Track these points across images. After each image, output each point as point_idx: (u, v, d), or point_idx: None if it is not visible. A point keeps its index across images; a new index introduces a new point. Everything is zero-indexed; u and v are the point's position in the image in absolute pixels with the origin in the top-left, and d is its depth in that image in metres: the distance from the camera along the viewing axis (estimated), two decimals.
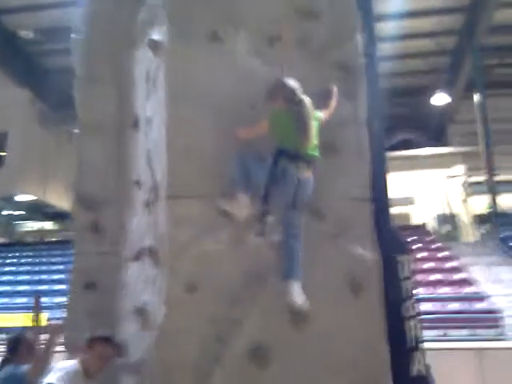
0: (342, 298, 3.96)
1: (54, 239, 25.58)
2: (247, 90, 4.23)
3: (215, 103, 4.19)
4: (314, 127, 3.90)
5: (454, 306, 13.82)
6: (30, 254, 21.79)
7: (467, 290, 14.70)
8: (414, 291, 4.18)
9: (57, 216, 26.97)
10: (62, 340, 4.52)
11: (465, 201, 24.32)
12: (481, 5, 19.17)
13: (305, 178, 3.86)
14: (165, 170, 4.12)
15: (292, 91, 3.93)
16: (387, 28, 18.34)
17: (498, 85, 22.94)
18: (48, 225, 29.64)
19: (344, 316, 3.90)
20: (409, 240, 17.70)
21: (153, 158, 4.46)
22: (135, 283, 4.44)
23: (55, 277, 18.35)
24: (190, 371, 3.77)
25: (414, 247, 17.51)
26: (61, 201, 24.26)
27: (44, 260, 20.82)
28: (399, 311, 4.01)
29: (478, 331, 12.59)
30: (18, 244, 24.66)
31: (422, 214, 24.06)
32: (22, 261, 21.11)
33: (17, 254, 21.95)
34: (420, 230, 21.29)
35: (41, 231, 28.66)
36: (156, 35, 4.61)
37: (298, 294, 3.72)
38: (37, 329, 7.85)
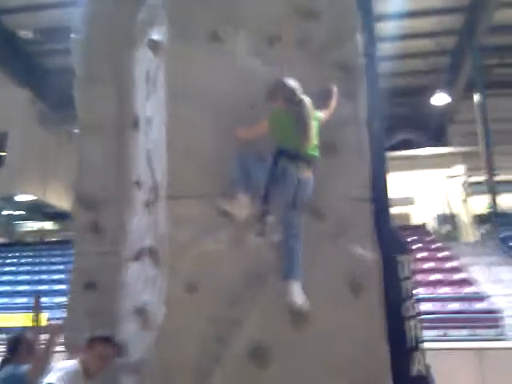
0: (342, 298, 3.96)
1: (53, 239, 25.57)
2: (247, 89, 4.23)
3: (215, 103, 4.19)
4: (313, 127, 3.90)
5: (454, 306, 13.83)
6: (30, 254, 21.78)
7: (467, 290, 14.71)
8: (414, 291, 4.18)
9: (57, 216, 26.97)
10: (61, 340, 4.52)
11: (465, 201, 24.33)
12: (481, 5, 19.17)
13: (305, 178, 3.86)
14: (165, 170, 4.12)
15: (292, 91, 3.92)
16: (387, 28, 18.35)
17: (498, 85, 22.94)
18: (48, 225, 29.65)
19: (344, 316, 3.90)
20: (409, 240, 17.71)
21: (153, 158, 4.46)
22: (135, 283, 4.44)
23: (55, 277, 18.35)
24: (189, 371, 3.76)
25: (414, 247, 17.52)
26: (61, 201, 24.25)
27: (44, 260, 20.81)
28: (399, 311, 4.01)
29: (478, 331, 12.60)
30: (18, 244, 24.65)
31: (422, 214, 24.06)
32: (22, 261, 21.11)
33: (17, 254, 21.95)
34: (420, 230, 21.29)
35: (41, 231, 28.65)
36: (156, 35, 4.60)
37: (297, 294, 3.72)
38: (37, 329, 7.85)
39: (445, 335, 12.48)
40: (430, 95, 23.92)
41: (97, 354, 3.85)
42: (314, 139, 3.90)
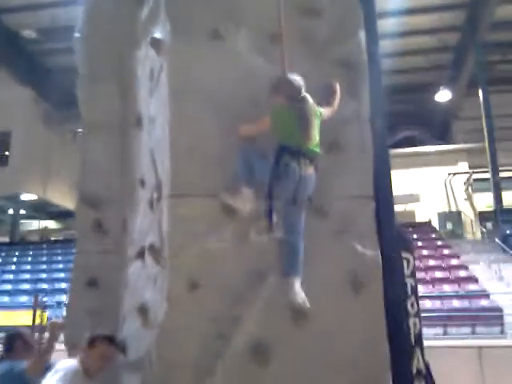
0: (344, 296, 3.95)
1: (57, 238, 25.64)
2: (249, 87, 4.23)
3: (218, 101, 4.18)
4: (316, 125, 3.90)
5: (456, 303, 13.83)
6: (33, 252, 21.84)
7: (470, 287, 14.71)
8: (416, 289, 4.18)
9: (60, 215, 27.03)
10: (62, 338, 4.52)
11: (469, 198, 24.30)
12: (482, 1, 19.15)
13: (307, 175, 3.85)
14: (168, 169, 4.12)
15: (296, 89, 3.92)
16: (389, 25, 18.32)
17: (501, 81, 22.88)
18: (51, 224, 29.72)
19: (345, 314, 3.89)
20: (412, 237, 17.79)
21: (156, 157, 4.46)
22: (137, 281, 4.44)
23: (57, 275, 18.43)
24: (190, 369, 3.76)
25: (417, 244, 17.57)
26: (64, 200, 24.32)
27: (46, 259, 20.87)
28: (401, 309, 4.01)
29: (480, 329, 12.60)
30: (21, 243, 24.71)
31: (426, 211, 24.06)
32: (25, 260, 21.17)
33: (20, 253, 22.02)
34: (424, 227, 21.32)
35: (44, 230, 28.72)
36: (158, 34, 4.60)
37: (298, 292, 3.72)
38: (37, 327, 7.86)
39: (446, 333, 12.50)
40: (433, 92, 23.91)
41: (98, 354, 3.83)
42: (316, 136, 3.90)
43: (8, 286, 18.55)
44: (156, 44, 4.62)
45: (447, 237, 20.28)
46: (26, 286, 18.17)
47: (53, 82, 22.66)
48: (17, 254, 22.14)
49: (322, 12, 4.61)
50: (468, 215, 23.71)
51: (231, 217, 3.99)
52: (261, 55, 4.42)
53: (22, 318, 13.34)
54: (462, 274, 15.70)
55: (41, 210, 26.81)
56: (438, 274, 15.78)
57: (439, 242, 19.03)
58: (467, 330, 12.63)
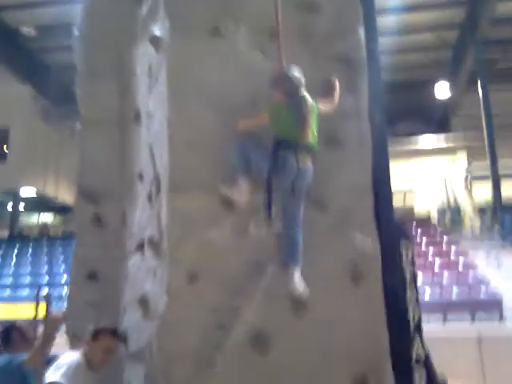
0: (343, 287, 3.99)
1: (56, 232, 25.66)
2: (248, 83, 4.24)
3: (216, 97, 4.20)
4: (313, 120, 3.92)
5: (456, 294, 13.88)
6: (33, 247, 21.89)
7: (469, 278, 14.76)
8: (415, 278, 4.21)
9: (59, 210, 27.05)
10: (63, 330, 4.53)
11: (468, 191, 24.37)
12: None
13: (304, 167, 3.88)
14: (167, 163, 4.14)
15: (294, 86, 3.94)
16: (389, 21, 18.32)
17: (500, 77, 22.87)
18: (51, 218, 29.74)
19: (344, 304, 3.93)
20: (411, 229, 17.91)
21: (155, 152, 4.48)
22: (137, 274, 4.47)
23: (57, 269, 18.46)
24: (191, 360, 3.79)
25: (416, 236, 17.68)
26: (63, 195, 24.37)
27: (46, 253, 20.91)
28: (400, 297, 4.04)
29: (480, 318, 12.66)
30: (21, 237, 24.73)
31: (426, 203, 24.16)
32: (25, 254, 21.21)
33: (19, 247, 22.06)
34: (423, 219, 21.43)
35: (44, 225, 28.71)
36: (157, 30, 4.61)
37: (298, 282, 3.75)
38: (36, 321, 7.85)
39: (446, 321, 12.57)
40: (433, 89, 23.89)
41: (102, 347, 3.85)
42: (314, 131, 3.92)
43: (8, 280, 18.58)
44: (155, 41, 4.63)
45: (446, 229, 20.29)
46: (27, 280, 18.22)
47: (52, 79, 22.66)
48: (16, 248, 22.16)
49: (321, 8, 4.62)
50: (467, 208, 23.72)
51: (230, 209, 4.02)
52: (260, 52, 4.44)
53: (22, 311, 13.36)
54: (463, 265, 15.78)
55: (40, 204, 26.84)
56: (440, 265, 15.85)
57: (439, 235, 19.10)
58: (468, 318, 12.69)
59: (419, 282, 13.47)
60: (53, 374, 3.65)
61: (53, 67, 22.90)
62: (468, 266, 15.61)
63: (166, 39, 4.41)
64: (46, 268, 19.17)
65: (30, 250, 21.23)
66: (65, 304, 5.17)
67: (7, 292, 17.40)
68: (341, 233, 4.11)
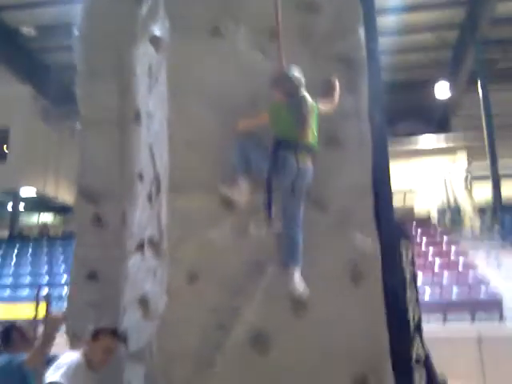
0: (343, 287, 3.99)
1: (56, 232, 25.67)
2: (248, 83, 4.24)
3: (217, 97, 4.20)
4: (313, 121, 3.92)
5: (456, 294, 13.89)
6: (33, 246, 21.90)
7: (469, 278, 14.77)
8: (415, 278, 4.21)
9: (60, 210, 27.05)
10: (63, 330, 4.53)
11: (468, 191, 24.37)
12: None
13: (304, 167, 3.88)
14: (167, 163, 4.14)
15: (294, 86, 3.94)
16: (389, 22, 18.32)
17: (500, 77, 22.87)
18: (51, 218, 29.74)
19: (344, 304, 3.93)
20: (411, 229, 17.93)
21: (155, 152, 4.48)
22: (137, 274, 4.47)
23: (57, 269, 18.46)
24: (191, 360, 3.80)
25: (416, 236, 17.71)
26: (63, 195, 24.37)
27: (46, 253, 20.92)
28: (400, 297, 4.04)
29: (480, 318, 12.67)
30: (21, 237, 24.73)
31: (426, 203, 24.17)
32: (25, 253, 21.21)
33: (19, 247, 22.06)
34: (423, 219, 21.45)
35: (44, 225, 28.70)
36: (157, 30, 4.61)
37: (298, 282, 3.75)
38: (36, 321, 7.84)
39: (445, 321, 12.58)
40: (433, 89, 23.89)
41: (102, 347, 3.84)
42: (314, 131, 3.92)
43: (8, 280, 18.58)
44: (155, 41, 4.63)
45: (446, 229, 20.29)
46: (26, 280, 18.22)
47: (52, 79, 22.66)
48: (16, 248, 22.17)
49: (321, 8, 4.62)
50: (467, 207, 23.73)
51: (230, 209, 4.03)
52: (260, 52, 4.44)
53: (22, 311, 13.35)
54: (463, 265, 15.79)
55: (40, 204, 26.84)
56: (440, 265, 15.86)
57: (439, 235, 19.12)
58: (468, 318, 12.70)
59: (419, 282, 13.49)
60: (53, 374, 3.64)
61: (53, 67, 22.90)
62: (468, 265, 15.63)
63: (166, 39, 4.41)
64: (45, 268, 19.18)
65: (30, 250, 21.23)
66: (65, 304, 5.17)
67: (7, 292, 17.41)
68: (341, 233, 4.11)
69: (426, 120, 26.53)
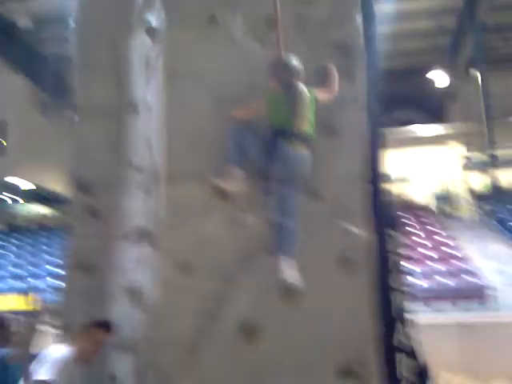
0: (334, 276, 3.98)
1: (52, 224, 25.69)
2: (245, 72, 4.24)
3: (214, 86, 4.20)
4: (308, 109, 3.91)
5: (449, 284, 13.95)
6: (30, 239, 21.98)
7: (463, 267, 14.83)
8: (406, 268, 4.21)
9: (57, 202, 27.06)
10: (55, 322, 4.53)
11: (464, 179, 24.40)
12: None
13: (300, 155, 3.88)
14: (162, 153, 4.14)
15: (289, 74, 3.93)
16: (387, 8, 18.23)
17: (499, 64, 22.80)
18: (47, 210, 29.73)
19: (335, 294, 3.92)
20: (406, 218, 17.98)
21: (151, 143, 4.47)
22: (129, 264, 4.47)
23: (52, 260, 18.53)
24: (181, 349, 3.82)
25: (411, 225, 17.77)
26: (60, 187, 24.37)
27: (43, 245, 20.99)
28: (390, 287, 4.05)
29: (473, 308, 12.74)
30: (18, 230, 24.78)
31: (422, 192, 24.18)
32: (22, 246, 21.30)
33: (16, 240, 22.15)
34: (418, 208, 21.49)
35: (41, 217, 28.70)
36: (153, 20, 4.59)
37: (289, 271, 3.74)
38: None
39: (435, 310, 12.67)
40: (431, 75, 23.84)
41: (93, 340, 3.85)
42: (310, 120, 3.91)
43: (5, 272, 18.65)
44: (151, 31, 4.61)
45: (442, 217, 20.32)
46: (24, 272, 18.30)
47: (49, 71, 22.57)
48: (15, 240, 22.25)
49: None
50: (463, 196, 23.76)
51: (223, 199, 4.01)
52: (257, 40, 4.42)
53: (9, 303, 13.30)
54: (455, 253, 15.86)
55: (38, 196, 26.84)
56: (432, 253, 15.92)
57: (434, 223, 19.15)
58: (459, 307, 12.79)
59: (413, 272, 13.61)
60: (41, 368, 3.63)
61: (50, 59, 22.80)
62: (462, 255, 15.67)
63: (162, 29, 4.39)
64: (43, 259, 19.24)
65: (29, 245, 21.30)
66: (56, 296, 5.15)
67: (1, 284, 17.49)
68: (334, 222, 4.09)
69: (424, 107, 26.47)
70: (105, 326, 3.96)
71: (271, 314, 3.88)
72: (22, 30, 21.66)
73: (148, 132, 4.61)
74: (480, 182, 22.54)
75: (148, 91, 4.68)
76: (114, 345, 4.21)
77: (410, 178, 24.73)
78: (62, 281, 5.00)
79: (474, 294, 13.14)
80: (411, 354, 4.06)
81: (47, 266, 18.16)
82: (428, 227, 18.54)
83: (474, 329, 10.45)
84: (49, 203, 27.71)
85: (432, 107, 26.79)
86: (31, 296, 12.21)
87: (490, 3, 19.73)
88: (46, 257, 19.32)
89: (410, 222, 18.52)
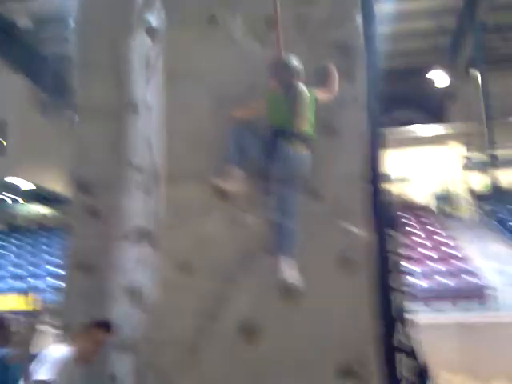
0: (336, 276, 3.98)
1: (52, 224, 25.70)
2: (245, 72, 4.24)
3: (214, 86, 4.20)
4: (308, 109, 3.91)
5: (450, 284, 13.95)
6: (30, 239, 21.98)
7: (463, 267, 14.83)
8: (406, 268, 4.22)
9: (57, 202, 27.06)
10: (55, 322, 4.53)
11: (464, 179, 24.40)
12: None
13: (300, 155, 3.88)
14: (162, 153, 4.14)
15: (289, 74, 3.94)
16: (387, 8, 18.22)
17: (499, 64, 22.80)
18: (47, 210, 29.74)
19: (335, 294, 3.92)
20: (406, 218, 17.96)
21: (151, 143, 4.47)
22: (129, 264, 4.47)
23: (52, 260, 18.54)
24: (182, 349, 3.83)
25: (411, 226, 17.76)
26: (60, 187, 24.37)
27: (43, 245, 20.99)
28: (390, 287, 4.05)
29: (473, 308, 12.74)
30: (18, 230, 24.79)
31: (421, 192, 24.19)
32: (22, 246, 21.30)
33: (16, 240, 22.14)
34: (418, 208, 21.49)
35: (41, 217, 28.71)
36: (153, 20, 4.59)
37: (290, 271, 3.74)
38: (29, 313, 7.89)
39: (435, 310, 12.67)
40: (431, 75, 23.83)
41: (93, 340, 3.85)
42: (310, 120, 3.91)
43: (5, 272, 18.65)
44: (151, 31, 4.61)
45: (441, 217, 20.32)
46: (24, 272, 18.31)
47: (49, 71, 22.57)
48: (15, 239, 22.26)
49: None
50: (462, 196, 23.77)
51: (223, 199, 4.01)
52: (257, 40, 4.42)
53: (9, 303, 13.32)
54: (455, 253, 15.85)
55: (38, 196, 26.85)
56: (432, 253, 15.92)
57: (433, 223, 19.15)
58: (459, 307, 12.79)
59: (413, 272, 13.60)
60: (41, 368, 3.63)
61: (50, 59, 22.80)
62: (462, 255, 15.67)
63: (162, 29, 4.39)
64: (43, 259, 19.25)
65: (29, 245, 21.30)
66: (56, 296, 5.15)
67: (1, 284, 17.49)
68: (334, 222, 4.09)
69: (424, 107, 26.47)
70: (105, 326, 3.96)
71: (271, 314, 3.88)
72: (22, 30, 21.65)
73: (148, 132, 4.61)
74: (480, 182, 22.53)
75: (148, 91, 4.68)
76: (114, 345, 4.22)
77: (410, 178, 24.74)
78: (62, 281, 5.00)
79: (474, 294, 13.14)
80: (411, 354, 4.06)
81: (47, 266, 18.16)
82: (428, 227, 18.53)
83: (474, 329, 10.45)
84: (49, 203, 27.70)
85: (432, 107, 26.78)
86: (31, 296, 12.25)
87: (490, 3, 19.72)
88: (46, 257, 19.31)
89: (410, 222, 18.51)
